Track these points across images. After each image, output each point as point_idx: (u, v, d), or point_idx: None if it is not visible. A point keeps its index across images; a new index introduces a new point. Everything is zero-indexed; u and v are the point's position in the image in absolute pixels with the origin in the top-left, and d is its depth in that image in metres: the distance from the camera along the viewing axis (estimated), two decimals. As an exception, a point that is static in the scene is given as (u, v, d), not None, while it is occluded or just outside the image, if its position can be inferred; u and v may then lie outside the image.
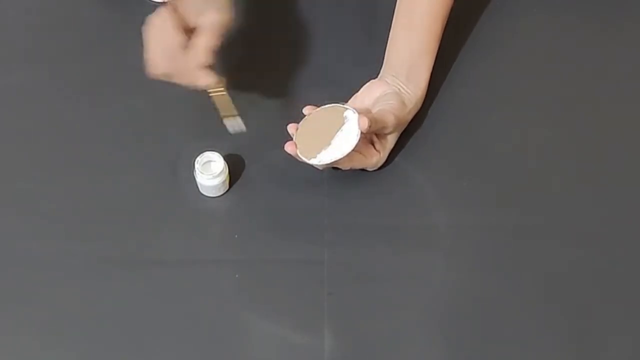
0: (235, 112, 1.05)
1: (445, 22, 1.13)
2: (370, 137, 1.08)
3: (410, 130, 1.12)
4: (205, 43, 0.99)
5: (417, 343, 1.00)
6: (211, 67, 1.00)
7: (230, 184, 1.10)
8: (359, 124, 1.02)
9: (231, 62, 1.21)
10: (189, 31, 1.01)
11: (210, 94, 1.03)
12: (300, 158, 1.04)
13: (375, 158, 1.08)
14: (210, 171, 1.07)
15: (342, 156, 1.02)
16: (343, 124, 1.04)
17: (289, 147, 1.04)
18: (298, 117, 1.07)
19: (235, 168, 1.10)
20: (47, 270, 1.04)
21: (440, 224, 1.07)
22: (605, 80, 1.20)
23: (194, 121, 1.15)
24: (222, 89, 1.03)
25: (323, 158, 1.03)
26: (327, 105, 1.06)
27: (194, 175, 1.08)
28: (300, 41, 1.21)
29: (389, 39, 1.13)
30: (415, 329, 1.00)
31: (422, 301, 1.02)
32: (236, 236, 1.07)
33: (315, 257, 1.05)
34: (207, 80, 1.00)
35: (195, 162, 1.07)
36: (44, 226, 1.07)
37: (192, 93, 1.16)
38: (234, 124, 1.06)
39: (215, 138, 1.11)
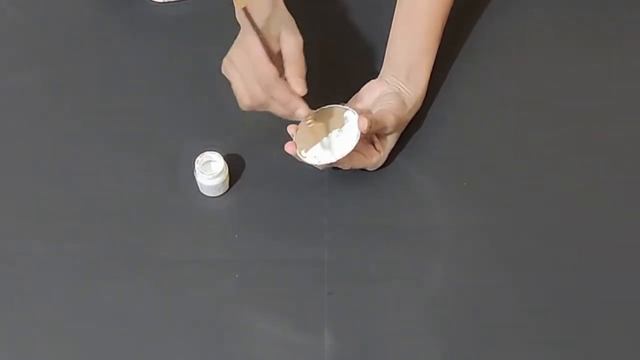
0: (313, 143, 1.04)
1: (445, 22, 1.13)
2: (370, 137, 1.08)
3: (410, 130, 1.12)
4: (299, 72, 1.00)
5: (417, 343, 1.00)
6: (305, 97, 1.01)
7: (230, 184, 1.10)
8: (358, 125, 1.02)
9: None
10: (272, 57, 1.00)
11: (308, 123, 1.03)
12: (300, 158, 1.04)
13: (375, 158, 1.08)
14: (210, 171, 1.07)
15: (342, 157, 1.02)
16: (343, 124, 1.04)
17: (289, 148, 1.04)
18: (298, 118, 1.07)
19: (235, 168, 1.10)
20: (47, 270, 1.04)
21: (440, 224, 1.08)
22: (605, 80, 1.20)
23: (194, 121, 1.15)
24: (312, 120, 1.03)
25: (323, 159, 1.03)
26: (327, 106, 1.06)
27: (194, 175, 1.08)
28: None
29: (389, 38, 1.13)
30: (415, 329, 1.00)
31: (422, 301, 1.02)
32: (236, 236, 1.07)
33: (315, 257, 1.05)
34: (305, 111, 1.01)
35: (195, 162, 1.07)
36: (43, 226, 1.07)
37: (192, 92, 1.16)
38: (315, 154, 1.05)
39: (215, 138, 1.11)
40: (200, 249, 1.06)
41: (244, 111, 1.03)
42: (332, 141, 1.03)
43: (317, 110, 1.06)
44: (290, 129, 1.05)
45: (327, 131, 1.04)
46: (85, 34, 1.24)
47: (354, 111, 1.04)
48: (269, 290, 1.03)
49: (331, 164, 1.03)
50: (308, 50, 1.03)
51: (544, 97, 1.18)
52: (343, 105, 1.06)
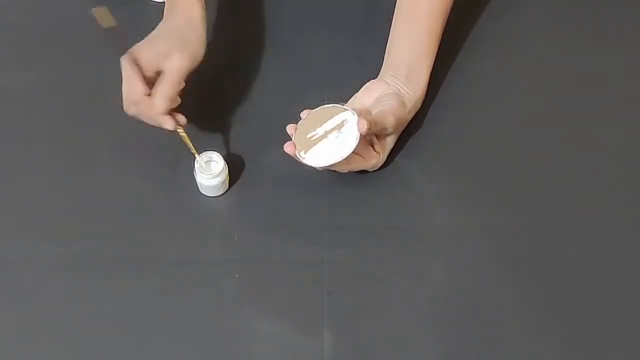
0: (195, 151, 1.07)
1: (445, 23, 1.13)
2: (370, 138, 1.08)
3: (410, 130, 1.12)
4: (163, 93, 1.03)
5: (417, 343, 1.00)
6: (176, 109, 1.04)
7: (231, 184, 1.10)
8: (358, 127, 1.02)
9: (232, 62, 1.21)
10: (157, 74, 1.04)
11: (180, 134, 1.06)
12: (299, 159, 1.04)
13: (374, 160, 1.08)
14: (210, 171, 1.07)
15: (341, 159, 1.02)
16: (343, 126, 1.04)
17: (288, 148, 1.04)
18: (298, 118, 1.07)
19: (236, 168, 1.10)
20: (47, 270, 1.04)
21: (440, 224, 1.08)
22: (605, 80, 1.20)
23: (194, 121, 1.15)
24: (182, 130, 1.06)
25: (322, 160, 1.03)
26: (327, 106, 1.06)
27: (194, 175, 1.08)
28: (299, 41, 1.21)
29: (389, 39, 1.13)
30: (415, 329, 1.00)
31: (422, 301, 1.02)
32: (236, 236, 1.07)
33: (315, 257, 1.05)
34: (170, 125, 1.04)
35: (196, 162, 1.07)
36: (44, 226, 1.07)
37: (192, 92, 1.16)
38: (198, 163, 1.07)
39: (215, 138, 1.12)
40: (200, 249, 1.06)
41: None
42: (331, 143, 1.03)
43: (317, 109, 1.06)
44: (290, 129, 1.05)
45: (327, 132, 1.04)
46: (85, 34, 1.24)
47: (354, 112, 1.04)
48: (269, 290, 1.03)
49: (330, 166, 1.03)
50: (308, 50, 1.03)
51: (544, 97, 1.18)
52: (343, 105, 1.06)
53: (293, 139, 1.04)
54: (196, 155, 1.07)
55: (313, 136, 1.04)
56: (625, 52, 1.23)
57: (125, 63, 1.02)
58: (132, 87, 1.03)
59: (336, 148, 1.02)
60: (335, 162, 1.02)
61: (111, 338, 1.00)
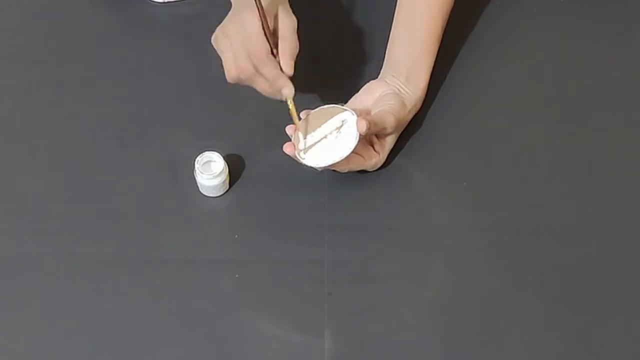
0: (298, 124, 1.05)
1: (445, 22, 1.13)
2: (369, 138, 1.08)
3: (410, 130, 1.12)
4: (291, 51, 1.01)
5: (417, 343, 1.00)
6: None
7: (230, 184, 1.10)
8: (357, 127, 1.02)
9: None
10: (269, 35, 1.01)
11: (288, 104, 1.04)
12: (299, 159, 1.04)
13: (374, 159, 1.08)
14: (210, 171, 1.07)
15: (340, 159, 1.02)
16: (342, 126, 1.04)
17: (287, 148, 1.04)
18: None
19: (235, 168, 1.10)
20: (48, 270, 1.04)
21: (440, 224, 1.08)
22: (605, 80, 1.20)
23: (194, 121, 1.15)
24: (291, 101, 1.04)
25: (321, 160, 1.03)
26: (326, 106, 1.06)
27: (194, 175, 1.08)
28: (299, 41, 1.21)
29: (389, 39, 1.13)
30: (415, 329, 1.00)
31: (422, 301, 1.02)
32: (236, 236, 1.07)
33: (315, 257, 1.05)
34: (290, 90, 1.02)
35: (195, 162, 1.07)
36: (43, 226, 1.07)
37: (192, 92, 1.16)
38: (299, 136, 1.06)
39: (215, 138, 1.12)
40: (200, 249, 1.06)
41: (229, 82, 1.03)
42: (330, 143, 1.03)
43: (316, 109, 1.06)
44: (289, 129, 1.05)
45: (326, 132, 1.04)
46: (86, 34, 1.24)
47: (353, 112, 1.04)
48: (269, 290, 1.03)
49: (330, 166, 1.03)
50: (308, 50, 1.03)
51: (544, 96, 1.18)
52: (342, 105, 1.06)
53: (292, 139, 1.04)
54: (297, 125, 1.04)
55: (312, 136, 1.04)
56: (626, 51, 1.23)
57: (253, 17, 0.99)
58: (257, 44, 0.99)
59: (335, 148, 1.03)
60: (335, 162, 1.02)
61: (111, 338, 1.00)
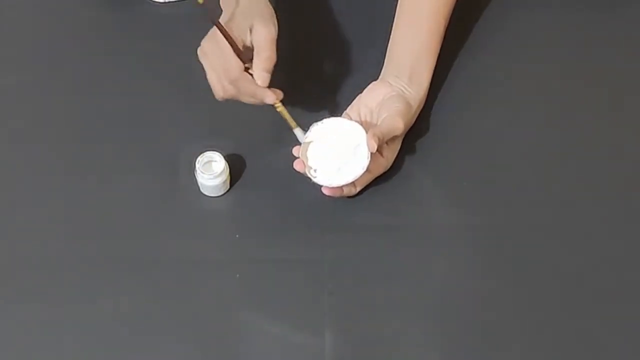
0: (293, 123, 1.06)
1: (447, 22, 1.13)
2: (379, 146, 1.07)
3: (410, 130, 1.12)
4: (264, 64, 1.02)
5: (417, 343, 1.00)
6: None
7: (231, 184, 1.10)
8: (368, 146, 1.02)
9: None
10: (242, 48, 1.03)
11: (277, 108, 1.05)
12: (310, 177, 1.03)
13: (382, 167, 1.08)
14: (211, 171, 1.07)
15: (354, 179, 1.02)
16: (353, 145, 1.03)
17: (297, 166, 1.04)
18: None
19: (236, 168, 1.10)
20: (48, 270, 1.04)
21: (440, 224, 1.08)
22: (606, 80, 1.19)
23: (195, 121, 1.15)
24: (279, 104, 1.05)
25: (334, 180, 1.03)
26: (332, 119, 1.05)
27: (194, 175, 1.08)
28: (300, 42, 1.21)
29: (391, 39, 1.13)
30: (415, 329, 1.01)
31: (422, 301, 1.02)
32: (236, 236, 1.07)
33: (315, 257, 1.05)
34: (272, 98, 1.03)
35: (196, 162, 1.07)
36: (44, 226, 1.07)
37: (192, 92, 1.16)
38: (298, 133, 1.06)
39: (216, 138, 1.12)
40: (200, 249, 1.06)
41: (219, 101, 1.05)
42: (342, 162, 1.03)
43: (323, 122, 1.05)
44: (295, 151, 1.05)
45: (338, 150, 1.04)
46: (85, 34, 1.24)
47: (361, 126, 1.04)
48: (269, 290, 1.03)
49: (342, 186, 1.03)
50: (308, 51, 1.03)
51: (545, 97, 1.18)
52: (350, 119, 1.06)
53: (300, 156, 1.04)
54: (293, 127, 1.06)
55: (323, 155, 1.04)
56: (627, 51, 1.23)
57: (213, 36, 1.02)
58: (229, 63, 1.02)
59: (348, 168, 1.03)
60: (347, 182, 1.02)
61: (111, 338, 1.00)
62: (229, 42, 1.01)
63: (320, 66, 1.20)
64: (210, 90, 1.13)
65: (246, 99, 1.04)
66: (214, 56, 1.03)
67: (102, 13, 1.25)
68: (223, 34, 1.01)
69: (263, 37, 1.02)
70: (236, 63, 1.02)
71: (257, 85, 1.02)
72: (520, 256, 1.05)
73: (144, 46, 1.22)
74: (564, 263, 1.05)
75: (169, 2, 1.26)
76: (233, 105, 1.05)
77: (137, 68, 1.20)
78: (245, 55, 1.03)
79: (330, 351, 0.99)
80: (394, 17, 1.13)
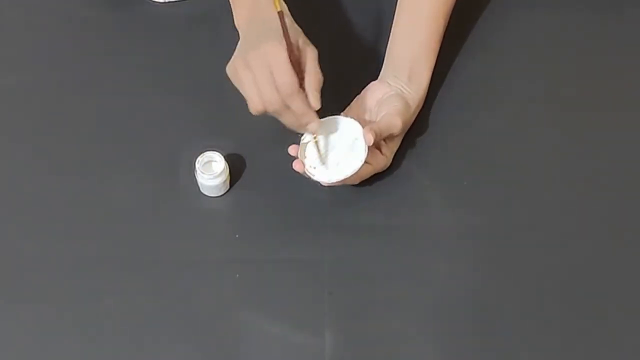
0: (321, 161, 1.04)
1: (447, 22, 1.13)
2: (377, 142, 1.07)
3: (410, 130, 1.12)
4: (317, 84, 0.98)
5: (417, 343, 1.00)
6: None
7: (231, 184, 1.10)
8: (365, 139, 1.02)
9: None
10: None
11: (307, 140, 1.04)
12: (309, 175, 1.03)
13: (382, 163, 1.07)
14: (211, 171, 1.07)
15: (352, 173, 1.02)
16: (350, 138, 1.03)
17: (296, 165, 1.04)
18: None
19: (236, 168, 1.10)
20: (47, 270, 1.04)
21: (440, 224, 1.08)
22: (606, 79, 1.20)
23: (195, 121, 1.15)
24: (316, 137, 1.03)
25: (333, 176, 1.03)
26: (330, 117, 1.05)
27: (194, 175, 1.08)
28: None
29: (390, 38, 1.13)
30: (415, 329, 1.01)
31: (422, 301, 1.02)
32: (236, 236, 1.07)
33: (315, 257, 1.05)
34: (316, 126, 1.00)
35: (196, 162, 1.07)
36: (43, 226, 1.07)
37: (193, 92, 1.16)
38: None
39: (216, 138, 1.11)
40: (200, 249, 1.06)
41: (253, 115, 1.01)
42: (340, 157, 1.03)
43: (321, 121, 1.05)
44: (291, 151, 1.04)
45: (335, 146, 1.04)
46: (85, 34, 1.24)
47: (357, 122, 1.04)
48: (269, 290, 1.03)
49: (341, 180, 1.03)
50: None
51: (545, 97, 1.18)
52: (346, 116, 1.06)
53: (299, 155, 1.04)
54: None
55: (321, 152, 1.04)
56: (627, 51, 1.23)
57: (280, 48, 0.96)
58: (286, 77, 0.96)
59: (346, 162, 1.03)
60: (346, 176, 1.02)
61: (111, 338, 1.00)
62: (291, 54, 0.97)
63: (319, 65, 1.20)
64: (211, 90, 1.13)
65: (289, 119, 1.00)
66: (262, 69, 0.97)
67: (102, 13, 1.25)
68: (289, 48, 0.97)
69: (311, 57, 0.99)
70: (293, 78, 0.97)
71: (308, 107, 0.98)
72: (520, 256, 1.05)
73: (144, 46, 1.22)
74: (564, 263, 1.05)
75: (169, 2, 1.26)
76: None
77: (138, 68, 1.20)
78: (296, 72, 0.98)
79: (330, 351, 0.99)
80: (393, 17, 1.14)
